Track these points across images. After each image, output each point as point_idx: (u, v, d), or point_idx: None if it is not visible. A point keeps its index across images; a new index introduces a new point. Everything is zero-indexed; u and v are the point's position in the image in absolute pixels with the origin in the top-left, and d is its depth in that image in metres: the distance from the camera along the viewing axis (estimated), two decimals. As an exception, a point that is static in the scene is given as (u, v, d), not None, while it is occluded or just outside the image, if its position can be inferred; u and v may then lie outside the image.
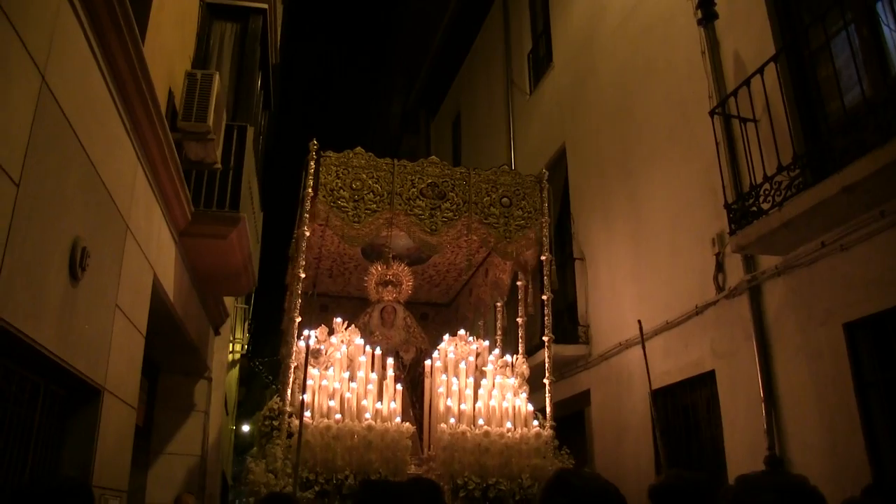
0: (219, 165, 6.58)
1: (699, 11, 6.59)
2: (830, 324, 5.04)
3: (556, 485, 2.04)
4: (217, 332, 10.17)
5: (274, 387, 18.86)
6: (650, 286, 7.43)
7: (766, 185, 5.21)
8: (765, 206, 5.23)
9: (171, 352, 8.26)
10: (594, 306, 8.66)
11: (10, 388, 3.91)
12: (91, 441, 4.76)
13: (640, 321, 5.99)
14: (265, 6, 8.01)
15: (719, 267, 6.30)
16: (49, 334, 3.86)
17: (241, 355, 15.08)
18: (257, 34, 7.80)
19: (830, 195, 4.58)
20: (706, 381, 6.39)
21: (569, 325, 8.90)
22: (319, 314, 8.25)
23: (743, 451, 5.76)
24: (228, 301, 10.66)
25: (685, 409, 6.74)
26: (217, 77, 6.22)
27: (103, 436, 4.93)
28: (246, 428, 24.93)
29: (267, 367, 20.71)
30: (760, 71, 5.35)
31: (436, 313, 9.43)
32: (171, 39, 6.27)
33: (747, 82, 5.52)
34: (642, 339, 5.76)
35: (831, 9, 4.95)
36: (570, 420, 8.56)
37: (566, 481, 2.02)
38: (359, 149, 6.82)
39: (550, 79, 10.75)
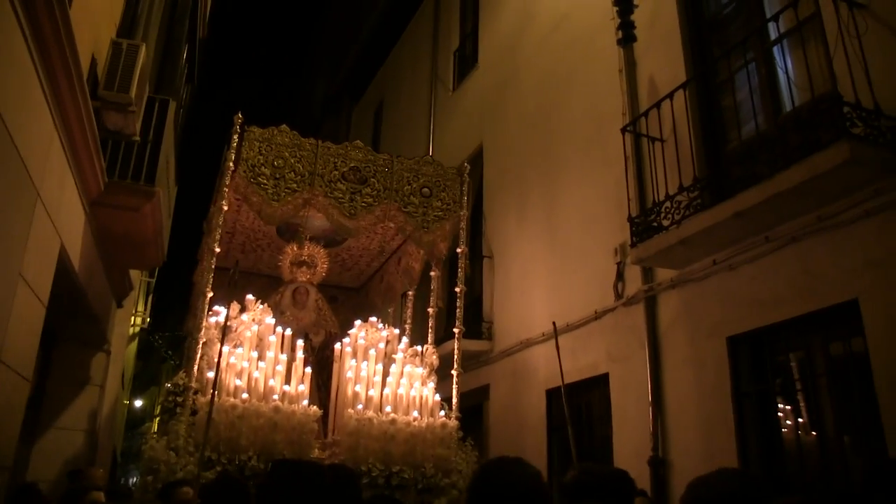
0: (137, 138, 6.45)
1: (620, 32, 6.93)
2: (715, 337, 5.47)
3: (481, 479, 2.03)
4: (120, 305, 9.92)
5: (172, 362, 18.46)
6: (556, 288, 7.77)
7: (668, 204, 5.58)
8: (665, 222, 5.61)
9: (71, 323, 8.02)
10: (499, 304, 8.95)
11: None
12: (-21, 413, 4.62)
13: (554, 322, 6.23)
14: (197, -21, 7.89)
15: (620, 276, 6.68)
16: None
17: (142, 328, 14.70)
18: (187, 7, 7.65)
19: (724, 218, 5.00)
20: (600, 383, 6.77)
21: (473, 320, 9.15)
22: (231, 290, 8.10)
23: (629, 450, 6.15)
24: (134, 274, 10.41)
25: (579, 408, 7.10)
26: (143, 48, 6.10)
27: (-8, 409, 4.78)
28: (138, 403, 24.25)
29: (166, 342, 20.24)
30: (670, 96, 5.72)
31: (346, 297, 9.43)
32: (98, 4, 6.11)
33: (658, 105, 5.88)
34: (556, 340, 5.98)
35: (735, 48, 5.37)
36: (468, 413, 8.82)
37: (489, 478, 2.01)
38: (284, 126, 6.76)
39: (474, 78, 10.98)
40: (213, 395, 5.33)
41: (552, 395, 7.42)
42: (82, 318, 7.92)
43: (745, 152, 5.37)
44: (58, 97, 5.09)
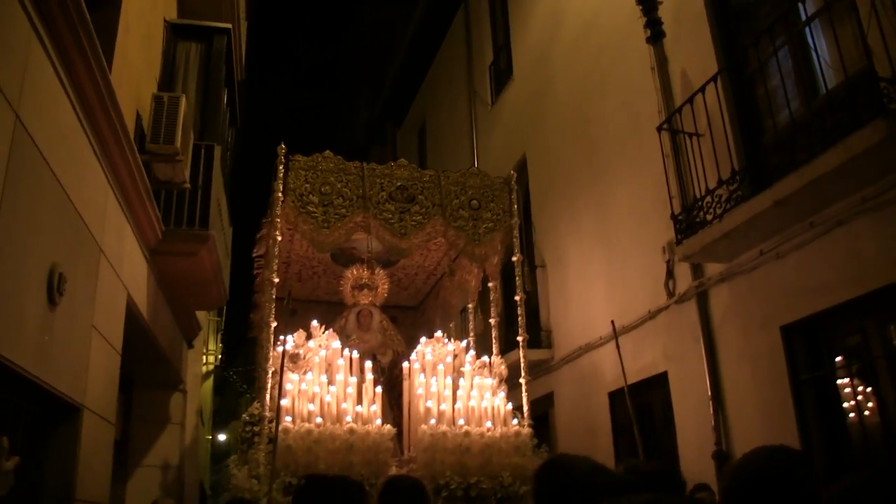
0: (187, 185, 6.73)
1: (647, 30, 6.91)
2: (769, 327, 5.39)
3: (546, 470, 2.16)
4: (190, 346, 10.31)
5: (248, 395, 18.97)
6: (611, 291, 7.75)
7: (709, 198, 5.54)
8: (708, 217, 5.56)
9: (146, 367, 8.39)
10: (556, 311, 8.96)
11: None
12: (73, 457, 4.90)
13: (612, 321, 6.18)
14: (229, 26, 8.14)
15: (669, 274, 6.64)
16: (28, 357, 4.04)
17: (215, 366, 15.19)
18: (222, 53, 7.93)
19: (764, 208, 4.93)
20: (660, 383, 6.73)
21: (532, 329, 9.16)
22: (289, 318, 8.21)
23: (692, 446, 6.10)
24: (201, 314, 10.80)
25: (642, 408, 7.04)
26: (184, 99, 6.37)
27: (84, 451, 5.07)
28: (222, 437, 24.96)
29: (240, 377, 20.82)
30: (702, 90, 5.68)
31: (404, 316, 9.40)
32: (137, 62, 6.43)
33: (691, 100, 5.85)
34: (616, 338, 5.96)
35: (764, 33, 5.30)
36: (535, 422, 8.84)
37: (555, 467, 2.14)
38: (327, 152, 6.80)
39: (511, 91, 11.05)
40: (278, 422, 5.48)
41: (615, 396, 7.39)
42: (156, 361, 8.30)
43: (782, 140, 5.28)
44: (108, 156, 5.40)
